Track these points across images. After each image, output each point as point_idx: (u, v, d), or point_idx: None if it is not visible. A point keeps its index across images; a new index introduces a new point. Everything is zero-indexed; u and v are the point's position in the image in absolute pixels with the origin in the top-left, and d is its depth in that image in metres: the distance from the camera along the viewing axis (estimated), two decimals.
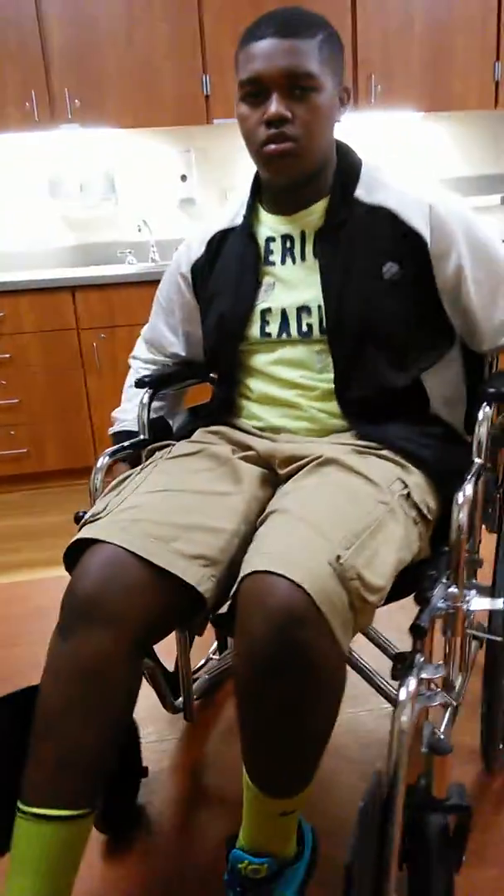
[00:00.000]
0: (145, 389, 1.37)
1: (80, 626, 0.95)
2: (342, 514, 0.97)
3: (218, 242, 1.31)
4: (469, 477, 1.05)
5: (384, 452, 1.14)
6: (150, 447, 1.33)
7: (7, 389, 3.12)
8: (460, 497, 1.01)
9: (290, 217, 1.22)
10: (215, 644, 1.81)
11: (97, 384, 3.15)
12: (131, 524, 1.01)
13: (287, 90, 1.08)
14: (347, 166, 1.21)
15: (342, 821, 1.33)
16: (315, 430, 1.21)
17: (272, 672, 0.88)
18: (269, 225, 1.25)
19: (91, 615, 0.95)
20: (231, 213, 1.31)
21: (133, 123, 3.18)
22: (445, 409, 1.26)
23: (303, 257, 1.21)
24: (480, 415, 1.14)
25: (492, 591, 1.24)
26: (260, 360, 1.24)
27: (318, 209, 1.20)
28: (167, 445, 1.28)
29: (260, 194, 1.28)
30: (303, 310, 1.20)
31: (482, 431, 1.13)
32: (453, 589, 1.00)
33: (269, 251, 1.24)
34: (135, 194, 3.57)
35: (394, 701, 1.51)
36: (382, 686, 1.54)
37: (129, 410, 1.42)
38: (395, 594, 1.01)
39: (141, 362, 1.48)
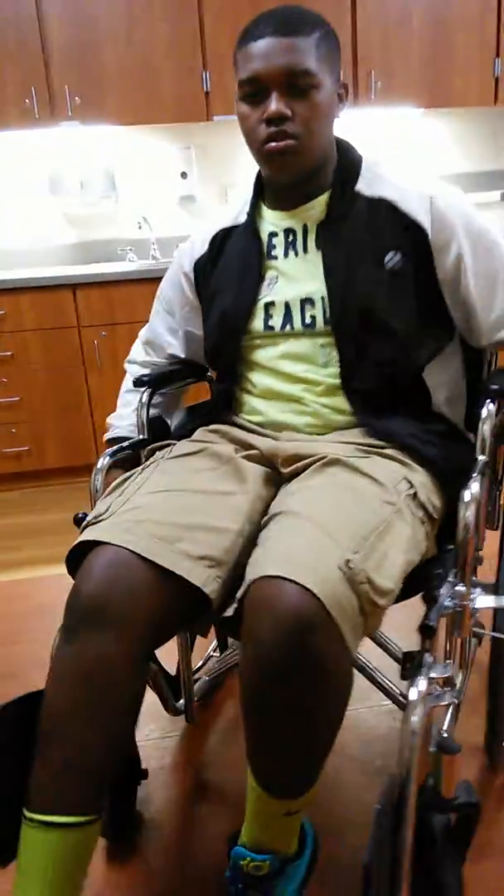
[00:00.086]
0: (144, 388, 1.36)
1: (84, 628, 0.94)
2: (349, 516, 0.96)
3: (221, 240, 1.31)
4: (475, 475, 1.05)
5: (388, 451, 1.13)
6: (150, 447, 1.32)
7: (8, 387, 3.11)
8: (467, 495, 1.00)
9: (292, 212, 1.22)
10: (215, 642, 1.82)
11: (98, 382, 3.15)
12: (135, 525, 1.00)
13: (286, 88, 1.09)
14: (348, 162, 1.22)
15: (342, 817, 1.33)
16: (318, 425, 1.20)
17: (280, 677, 0.87)
18: (271, 220, 1.25)
19: (96, 618, 0.94)
20: (234, 211, 1.31)
21: (133, 120, 3.17)
22: (447, 407, 1.26)
23: (305, 250, 1.21)
24: (484, 412, 1.14)
25: (495, 589, 1.24)
26: (264, 354, 1.24)
27: (319, 203, 1.21)
28: (167, 445, 1.28)
29: (262, 192, 1.28)
30: (306, 302, 1.19)
31: (486, 428, 1.13)
32: (460, 587, 1.00)
33: (271, 246, 1.24)
34: (135, 191, 3.56)
35: (394, 697, 1.53)
36: (383, 683, 1.54)
37: (125, 416, 1.41)
38: (401, 594, 1.00)
39: (138, 366, 1.47)
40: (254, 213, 1.27)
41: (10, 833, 0.95)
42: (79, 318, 3.07)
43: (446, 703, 0.94)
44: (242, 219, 1.28)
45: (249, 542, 1.04)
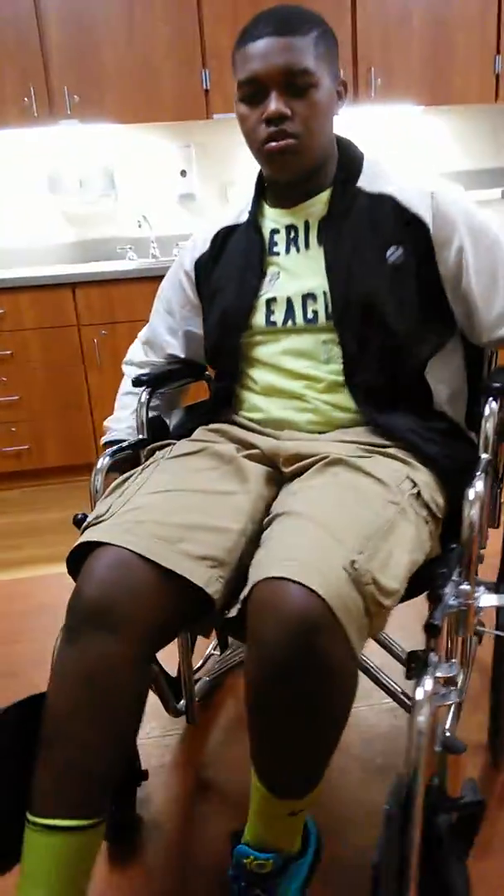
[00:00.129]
0: (143, 388, 1.36)
1: (86, 630, 0.94)
2: (353, 516, 0.96)
3: (223, 239, 1.31)
4: (479, 473, 1.05)
5: (390, 451, 1.13)
6: (150, 447, 1.32)
7: (8, 386, 3.11)
8: (471, 493, 1.00)
9: (294, 209, 1.22)
10: (215, 642, 1.81)
11: (98, 380, 3.15)
12: (136, 525, 0.99)
13: (285, 88, 1.09)
14: (349, 160, 1.22)
15: (343, 815, 1.33)
16: (320, 422, 1.20)
17: (285, 678, 0.87)
18: (273, 218, 1.25)
19: (98, 619, 0.93)
20: (236, 210, 1.31)
21: (132, 118, 3.16)
22: (448, 405, 1.26)
23: (307, 246, 1.21)
24: (486, 410, 1.14)
25: (497, 587, 1.23)
26: (265, 350, 1.24)
27: (321, 199, 1.21)
28: (167, 445, 1.27)
29: (264, 191, 1.28)
30: (308, 297, 1.19)
31: (489, 427, 1.13)
32: (465, 586, 1.00)
33: (273, 242, 1.24)
34: (134, 190, 3.55)
35: (396, 696, 1.53)
36: (384, 681, 1.54)
37: (123, 419, 1.41)
38: (405, 594, 0.99)
39: (136, 367, 1.47)
40: (255, 211, 1.27)
41: (12, 837, 0.94)
42: (78, 317, 3.06)
43: (451, 702, 0.94)
44: (244, 218, 1.28)
45: (252, 542, 1.04)
